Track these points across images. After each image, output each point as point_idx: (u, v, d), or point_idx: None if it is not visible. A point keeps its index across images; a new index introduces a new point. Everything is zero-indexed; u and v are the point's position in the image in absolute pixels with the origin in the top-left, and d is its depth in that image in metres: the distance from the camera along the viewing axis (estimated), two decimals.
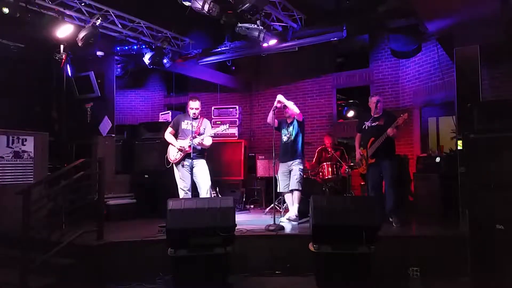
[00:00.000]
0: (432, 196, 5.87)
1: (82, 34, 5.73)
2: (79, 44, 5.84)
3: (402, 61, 7.71)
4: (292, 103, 5.61)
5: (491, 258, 3.53)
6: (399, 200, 5.47)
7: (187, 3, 5.33)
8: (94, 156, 6.33)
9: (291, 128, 5.61)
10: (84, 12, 5.84)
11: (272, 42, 6.51)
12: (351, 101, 9.04)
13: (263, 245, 4.59)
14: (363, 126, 5.41)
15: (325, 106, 8.67)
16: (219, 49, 7.47)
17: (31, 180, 5.39)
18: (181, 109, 9.11)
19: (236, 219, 3.99)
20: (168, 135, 5.42)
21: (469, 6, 4.69)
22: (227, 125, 5.57)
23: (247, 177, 7.55)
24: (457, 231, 4.59)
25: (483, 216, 3.59)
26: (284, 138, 5.64)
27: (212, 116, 7.84)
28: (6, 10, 5.10)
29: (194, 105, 5.29)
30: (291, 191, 5.52)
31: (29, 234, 3.88)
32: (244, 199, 7.30)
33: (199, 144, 5.24)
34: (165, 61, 6.98)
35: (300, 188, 5.47)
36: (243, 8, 5.10)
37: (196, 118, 5.32)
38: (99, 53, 6.98)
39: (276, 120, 5.60)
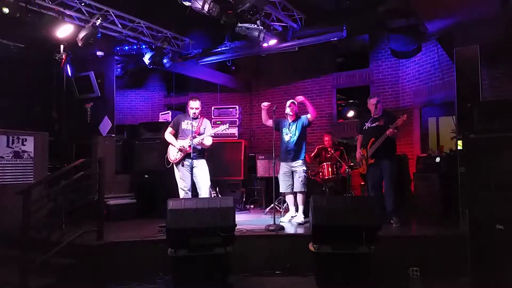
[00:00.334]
0: (432, 196, 5.87)
1: (82, 34, 5.74)
2: (79, 44, 5.85)
3: (402, 61, 7.71)
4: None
5: (491, 258, 3.53)
6: (399, 200, 5.47)
7: (187, 3, 5.33)
8: (94, 156, 6.32)
9: (294, 127, 5.52)
10: (84, 12, 5.84)
11: (272, 42, 6.51)
12: (351, 101, 9.04)
13: (263, 245, 4.59)
14: (364, 127, 5.42)
15: (325, 106, 8.66)
16: (219, 49, 7.47)
17: (31, 180, 5.39)
18: (181, 109, 9.10)
19: (236, 219, 3.99)
20: (168, 135, 5.42)
21: (469, 6, 4.70)
22: (227, 125, 5.56)
23: (247, 177, 7.54)
24: (457, 231, 4.59)
25: (483, 216, 3.59)
26: (286, 137, 5.55)
27: (212, 116, 7.84)
28: (6, 10, 5.09)
29: (194, 105, 5.29)
30: (295, 193, 5.50)
31: (29, 234, 3.88)
32: (244, 199, 7.30)
33: (199, 144, 5.24)
34: (165, 61, 6.98)
35: (305, 190, 5.44)
36: (243, 8, 5.10)
37: (196, 118, 5.32)
38: (99, 53, 6.98)
39: (270, 120, 5.55)
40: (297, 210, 5.57)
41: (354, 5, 6.23)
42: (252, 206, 7.48)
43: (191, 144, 5.10)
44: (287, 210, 5.87)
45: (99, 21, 5.78)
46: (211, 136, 5.36)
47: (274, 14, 6.22)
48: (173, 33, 7.06)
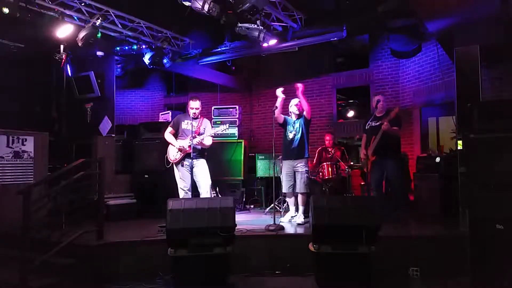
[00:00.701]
0: (432, 196, 5.86)
1: (82, 34, 5.74)
2: (79, 44, 5.85)
3: (402, 61, 7.71)
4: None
5: (491, 258, 3.53)
6: (401, 201, 5.48)
7: (187, 3, 5.33)
8: (94, 156, 6.33)
9: (297, 125, 5.52)
10: (84, 12, 5.84)
11: (272, 42, 6.51)
12: (351, 101, 9.05)
13: (263, 245, 4.59)
14: (367, 126, 5.44)
15: (325, 106, 8.67)
16: (219, 49, 7.48)
17: (31, 180, 5.40)
18: (181, 109, 9.11)
19: (236, 219, 3.99)
20: (168, 135, 5.42)
21: (469, 6, 4.69)
22: (227, 125, 5.57)
23: (247, 177, 7.54)
24: (457, 231, 4.58)
25: (483, 216, 3.58)
26: (290, 135, 5.52)
27: (212, 116, 7.83)
28: (6, 10, 5.10)
29: (194, 105, 5.29)
30: (297, 193, 5.49)
31: (29, 234, 3.88)
32: (244, 199, 7.30)
33: (199, 143, 5.24)
34: (165, 61, 6.99)
35: (308, 191, 5.42)
36: (243, 8, 5.11)
37: (196, 118, 5.32)
38: (99, 53, 6.99)
39: (282, 116, 5.56)
40: (297, 210, 5.57)
41: (354, 5, 6.23)
42: (252, 206, 7.47)
43: (190, 144, 5.10)
44: (287, 210, 5.86)
45: (99, 21, 5.78)
46: (211, 136, 5.37)
47: (274, 14, 6.22)
48: (173, 33, 7.06)
